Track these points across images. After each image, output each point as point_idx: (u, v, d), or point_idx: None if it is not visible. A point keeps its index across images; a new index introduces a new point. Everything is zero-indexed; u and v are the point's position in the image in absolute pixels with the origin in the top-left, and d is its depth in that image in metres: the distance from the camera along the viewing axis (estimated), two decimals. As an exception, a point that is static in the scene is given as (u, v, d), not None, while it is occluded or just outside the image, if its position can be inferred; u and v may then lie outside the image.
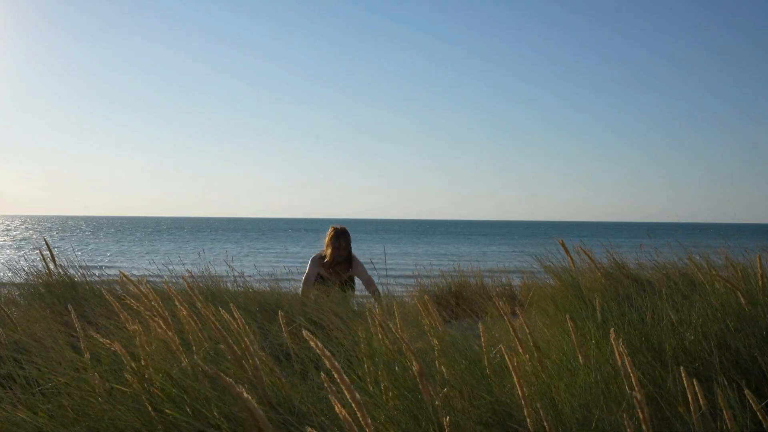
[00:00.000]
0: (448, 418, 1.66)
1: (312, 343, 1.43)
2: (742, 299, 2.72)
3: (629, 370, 1.86)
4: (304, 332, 1.50)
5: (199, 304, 2.24)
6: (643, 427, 1.68)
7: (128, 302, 2.18)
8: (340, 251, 5.82)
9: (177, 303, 1.97)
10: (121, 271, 2.14)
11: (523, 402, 1.79)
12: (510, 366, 1.88)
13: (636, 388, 1.87)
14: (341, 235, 5.90)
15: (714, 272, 3.22)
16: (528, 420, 1.77)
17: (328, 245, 5.87)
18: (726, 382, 2.18)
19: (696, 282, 3.60)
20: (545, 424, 1.62)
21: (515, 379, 1.89)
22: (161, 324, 1.92)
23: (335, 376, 1.37)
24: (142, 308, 1.92)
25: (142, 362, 1.92)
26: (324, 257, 5.86)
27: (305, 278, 5.75)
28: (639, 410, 1.67)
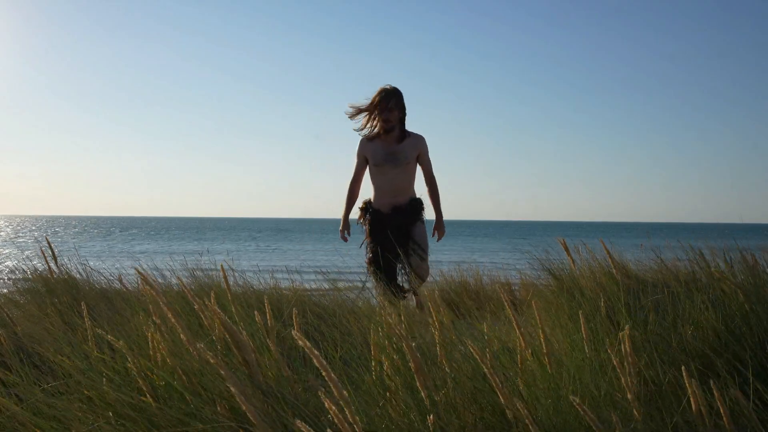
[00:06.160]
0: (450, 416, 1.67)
1: (300, 343, 1.44)
2: (741, 296, 2.73)
3: (629, 366, 1.87)
4: (294, 333, 1.51)
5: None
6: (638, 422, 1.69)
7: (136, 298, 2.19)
8: (386, 114, 4.33)
9: (189, 297, 1.99)
10: (136, 268, 2.17)
11: (501, 397, 1.79)
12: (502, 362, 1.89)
13: (628, 386, 1.87)
14: (390, 94, 4.37)
15: (716, 271, 3.23)
16: (508, 413, 1.78)
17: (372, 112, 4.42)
18: (728, 381, 2.18)
19: (698, 281, 3.61)
20: (527, 421, 1.63)
21: (487, 372, 1.90)
22: (170, 316, 1.94)
23: (323, 374, 1.38)
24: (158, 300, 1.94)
25: (150, 353, 1.93)
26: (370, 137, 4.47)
27: (354, 172, 4.60)
28: (634, 408, 1.68)
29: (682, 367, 1.66)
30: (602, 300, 3.02)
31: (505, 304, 2.21)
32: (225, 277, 2.38)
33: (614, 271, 3.82)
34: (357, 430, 1.32)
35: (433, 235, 4.60)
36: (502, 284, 7.41)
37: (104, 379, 1.95)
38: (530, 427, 1.55)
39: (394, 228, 4.41)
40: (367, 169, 4.64)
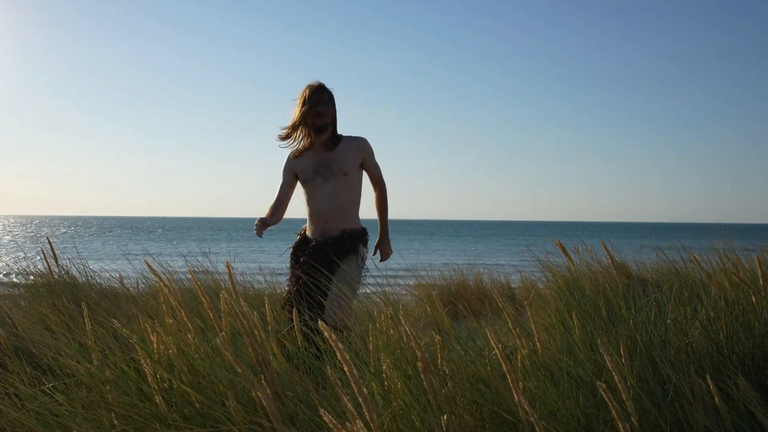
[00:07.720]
0: (453, 416, 1.67)
1: (326, 335, 1.45)
2: (753, 297, 2.73)
3: (622, 367, 1.87)
4: (321, 324, 1.52)
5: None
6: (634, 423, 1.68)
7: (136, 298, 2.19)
8: (321, 106, 3.51)
9: (200, 294, 1.99)
10: (147, 263, 2.17)
11: (516, 396, 1.79)
12: (503, 363, 1.89)
13: (622, 389, 1.87)
14: (323, 86, 3.57)
15: (722, 270, 3.23)
16: (520, 411, 1.78)
17: (297, 115, 3.56)
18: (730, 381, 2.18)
19: (699, 281, 3.61)
20: (532, 418, 1.63)
21: (508, 374, 1.90)
22: (181, 312, 1.95)
23: (346, 369, 1.39)
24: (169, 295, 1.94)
25: (155, 349, 1.93)
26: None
27: (277, 194, 3.77)
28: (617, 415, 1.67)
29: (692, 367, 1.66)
30: (602, 300, 3.02)
31: (501, 305, 2.21)
32: (231, 277, 2.36)
33: (614, 271, 3.82)
34: (374, 428, 1.32)
35: (374, 254, 3.71)
36: (502, 285, 7.42)
37: (107, 378, 1.95)
38: (536, 427, 1.55)
39: (318, 261, 3.47)
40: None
